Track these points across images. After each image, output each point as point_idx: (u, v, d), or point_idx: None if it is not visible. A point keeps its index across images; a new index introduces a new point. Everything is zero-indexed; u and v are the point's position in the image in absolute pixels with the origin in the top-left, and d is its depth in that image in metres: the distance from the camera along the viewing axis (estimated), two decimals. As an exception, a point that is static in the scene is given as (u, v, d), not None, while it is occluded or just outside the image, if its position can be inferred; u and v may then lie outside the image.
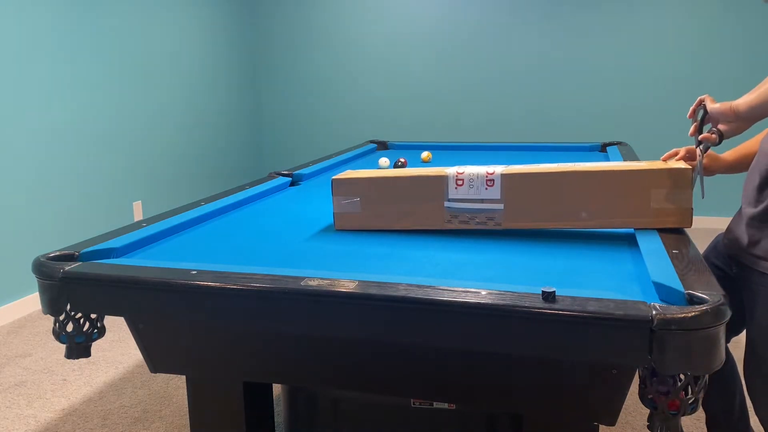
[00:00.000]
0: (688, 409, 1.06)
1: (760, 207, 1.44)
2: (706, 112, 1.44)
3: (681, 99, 4.87)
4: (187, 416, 2.22)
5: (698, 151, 1.48)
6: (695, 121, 1.48)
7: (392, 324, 1.14)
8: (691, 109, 1.49)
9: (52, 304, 1.34)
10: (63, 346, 3.05)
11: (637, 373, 1.16)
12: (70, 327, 1.37)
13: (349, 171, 1.81)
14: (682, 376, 1.05)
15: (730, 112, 1.37)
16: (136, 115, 4.32)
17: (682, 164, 1.49)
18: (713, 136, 1.43)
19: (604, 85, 4.99)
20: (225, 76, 5.36)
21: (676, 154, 1.68)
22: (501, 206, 1.58)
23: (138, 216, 4.36)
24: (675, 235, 1.47)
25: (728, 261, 1.58)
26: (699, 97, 1.47)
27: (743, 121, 1.37)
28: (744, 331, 1.55)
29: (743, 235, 1.49)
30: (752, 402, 1.52)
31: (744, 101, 1.34)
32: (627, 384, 1.17)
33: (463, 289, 1.13)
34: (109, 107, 4.07)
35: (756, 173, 1.47)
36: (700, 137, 1.46)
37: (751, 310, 1.46)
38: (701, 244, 4.27)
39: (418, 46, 5.34)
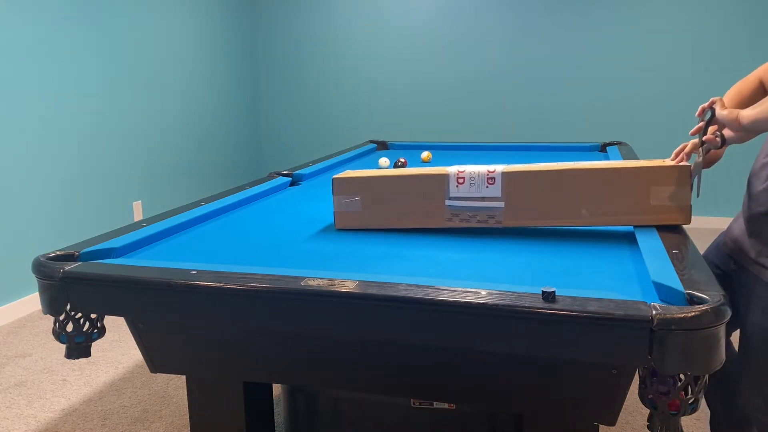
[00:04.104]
0: (688, 409, 1.06)
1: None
2: (713, 114, 1.46)
3: (681, 99, 4.87)
4: (187, 416, 2.22)
5: (699, 150, 1.49)
6: (702, 120, 1.49)
7: (392, 324, 1.14)
8: (701, 107, 1.50)
9: (52, 304, 1.34)
10: (63, 346, 3.05)
11: (637, 373, 1.16)
12: (70, 327, 1.36)
13: (349, 171, 1.81)
14: (682, 376, 1.06)
15: (735, 122, 1.39)
16: (136, 114, 4.32)
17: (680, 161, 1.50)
18: (717, 139, 1.46)
19: (605, 85, 4.99)
20: (225, 76, 5.36)
21: (684, 149, 1.67)
22: (502, 204, 1.58)
23: (138, 216, 4.36)
24: (675, 234, 1.47)
25: (728, 260, 1.59)
26: (711, 99, 1.48)
27: (746, 132, 1.39)
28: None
29: (747, 240, 1.50)
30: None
31: (748, 113, 1.36)
32: (627, 384, 1.17)
33: (463, 289, 1.13)
34: (109, 107, 4.07)
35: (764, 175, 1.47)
36: (704, 137, 1.48)
37: (747, 308, 1.48)
38: (701, 244, 4.27)
39: (419, 46, 5.34)
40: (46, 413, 2.43)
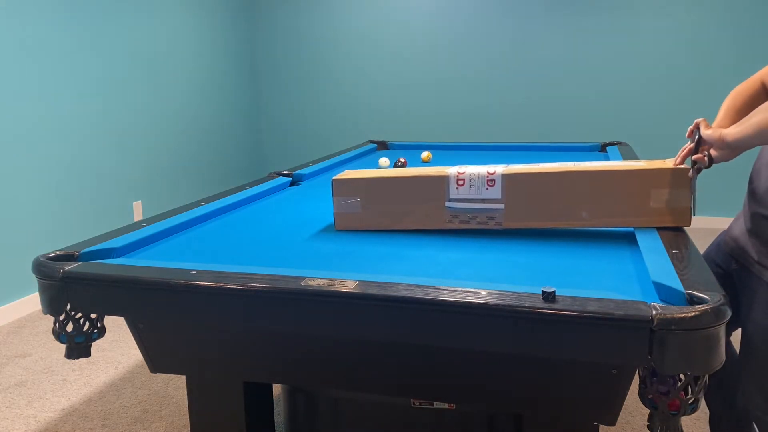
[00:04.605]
0: (688, 409, 1.06)
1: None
2: (701, 135, 1.48)
3: (681, 99, 4.87)
4: (187, 416, 2.22)
5: (691, 172, 1.50)
6: (692, 142, 1.52)
7: (392, 324, 1.14)
8: (690, 129, 1.53)
9: (52, 304, 1.34)
10: (63, 346, 3.05)
11: (637, 373, 1.16)
12: (70, 327, 1.37)
13: (349, 171, 1.81)
14: (682, 376, 1.06)
15: (720, 140, 1.41)
16: (136, 114, 4.32)
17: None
18: (704, 158, 1.48)
19: (605, 85, 4.99)
20: (225, 76, 5.36)
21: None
22: (502, 206, 1.58)
23: (138, 216, 4.36)
24: (675, 234, 1.47)
25: (729, 259, 1.59)
26: (696, 120, 1.51)
27: (731, 150, 1.41)
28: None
29: (748, 240, 1.50)
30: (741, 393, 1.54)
31: (732, 131, 1.38)
32: (627, 384, 1.17)
33: (463, 289, 1.13)
34: (109, 107, 4.07)
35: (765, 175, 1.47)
36: (693, 157, 1.50)
37: (748, 308, 1.48)
38: (701, 244, 4.27)
39: (419, 45, 5.34)
40: (46, 413, 2.43)
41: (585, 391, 1.20)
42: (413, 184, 1.64)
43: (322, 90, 5.67)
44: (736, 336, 1.68)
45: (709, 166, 1.48)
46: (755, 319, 1.46)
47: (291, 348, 1.35)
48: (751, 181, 1.53)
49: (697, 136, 1.50)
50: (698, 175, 1.53)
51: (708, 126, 1.47)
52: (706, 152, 1.49)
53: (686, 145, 1.54)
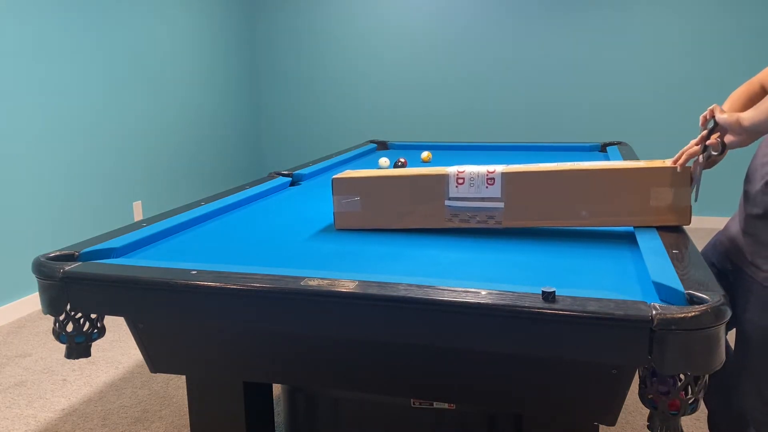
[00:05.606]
0: (688, 409, 1.06)
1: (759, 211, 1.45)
2: (716, 122, 1.46)
3: (681, 99, 4.87)
4: (187, 416, 2.22)
5: (700, 157, 1.48)
6: (705, 129, 1.49)
7: (392, 324, 1.14)
8: (702, 116, 1.50)
9: (52, 304, 1.34)
10: (63, 346, 3.05)
11: (637, 373, 1.16)
12: (70, 327, 1.37)
13: (349, 171, 1.81)
14: (682, 376, 1.06)
15: (736, 124, 1.39)
16: (136, 114, 4.32)
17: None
18: (717, 144, 1.45)
19: (605, 85, 4.99)
20: (225, 76, 5.36)
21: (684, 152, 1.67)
22: (501, 205, 1.58)
23: (138, 216, 4.36)
24: (675, 234, 1.47)
25: (724, 259, 1.59)
26: (710, 107, 1.48)
27: (747, 134, 1.39)
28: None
29: (742, 240, 1.50)
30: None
31: (748, 115, 1.36)
32: (627, 384, 1.17)
33: (463, 289, 1.13)
34: (110, 107, 4.07)
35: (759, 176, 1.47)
36: (707, 142, 1.47)
37: (744, 308, 1.48)
38: (701, 244, 4.27)
39: (419, 46, 5.34)
40: (46, 413, 2.43)
41: (585, 391, 1.20)
42: (413, 184, 1.64)
43: (322, 90, 5.67)
44: (733, 335, 1.68)
45: (722, 153, 1.45)
46: (751, 319, 1.46)
47: (291, 348, 1.35)
48: (746, 182, 1.53)
49: (711, 125, 1.48)
50: (706, 167, 1.51)
51: (723, 111, 1.44)
52: (719, 139, 1.46)
53: (690, 143, 1.53)
